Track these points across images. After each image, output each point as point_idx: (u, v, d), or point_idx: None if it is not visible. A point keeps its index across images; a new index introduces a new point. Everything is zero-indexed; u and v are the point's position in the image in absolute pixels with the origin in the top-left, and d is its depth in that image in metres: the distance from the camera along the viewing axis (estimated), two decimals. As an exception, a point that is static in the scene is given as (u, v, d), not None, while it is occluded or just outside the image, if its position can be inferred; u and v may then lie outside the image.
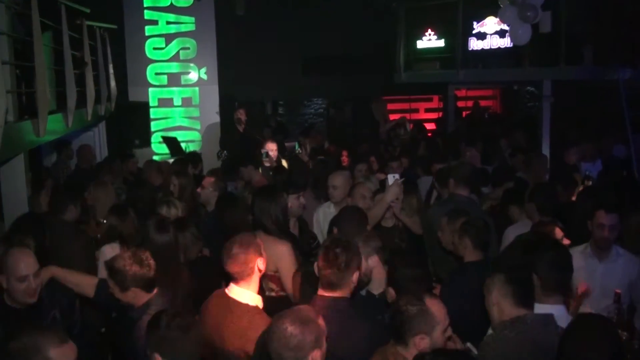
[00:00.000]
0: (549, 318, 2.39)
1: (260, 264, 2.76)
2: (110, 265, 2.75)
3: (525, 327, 2.34)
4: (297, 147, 7.71)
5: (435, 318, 2.18)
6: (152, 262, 2.76)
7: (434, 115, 12.98)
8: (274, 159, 6.72)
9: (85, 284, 3.03)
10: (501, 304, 2.44)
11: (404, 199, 4.12)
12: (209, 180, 4.93)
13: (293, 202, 4.01)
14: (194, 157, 6.80)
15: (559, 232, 3.51)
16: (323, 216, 4.54)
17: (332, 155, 7.56)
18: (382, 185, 4.89)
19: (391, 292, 2.74)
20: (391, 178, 3.97)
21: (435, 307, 2.20)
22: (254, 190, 3.97)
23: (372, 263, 2.91)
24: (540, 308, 2.44)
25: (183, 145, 8.71)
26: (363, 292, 2.89)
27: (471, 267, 3.16)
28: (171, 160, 7.20)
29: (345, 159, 7.55)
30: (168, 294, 2.82)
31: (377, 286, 2.90)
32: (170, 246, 3.26)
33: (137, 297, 2.72)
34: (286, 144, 9.17)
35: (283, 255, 3.25)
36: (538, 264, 2.55)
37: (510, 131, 8.35)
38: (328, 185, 4.61)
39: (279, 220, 3.47)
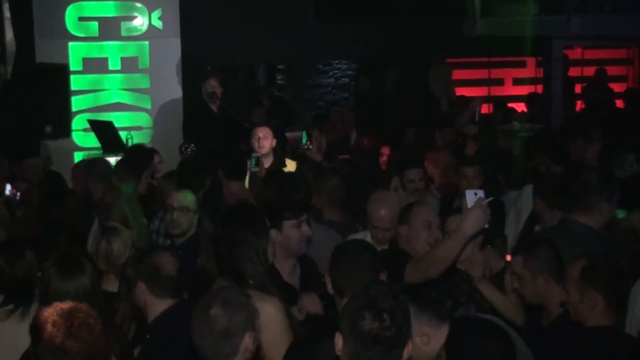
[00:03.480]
0: None
1: (249, 342, 2.89)
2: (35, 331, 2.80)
3: None
4: (304, 139, 7.67)
5: None
6: (97, 327, 2.89)
7: (528, 89, 12.94)
8: (265, 152, 6.89)
9: None
10: None
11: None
12: (174, 196, 5.12)
13: (290, 232, 4.14)
14: (141, 155, 6.97)
15: None
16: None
17: (365, 154, 7.69)
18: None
19: None
20: (471, 196, 4.05)
21: None
22: (220, 213, 4.10)
23: None
24: None
25: (123, 134, 8.78)
26: None
27: (598, 337, 3.20)
28: (114, 160, 7.42)
29: (385, 159, 7.67)
30: None
31: None
32: (85, 297, 3.34)
33: None
34: (288, 135, 9.24)
35: (270, 320, 3.35)
36: None
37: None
38: (370, 214, 4.78)
39: (261, 264, 3.61)
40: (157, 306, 3.69)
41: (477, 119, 9.07)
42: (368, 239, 4.77)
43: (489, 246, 4.69)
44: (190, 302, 3.41)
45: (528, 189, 5.84)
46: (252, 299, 2.95)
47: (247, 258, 3.61)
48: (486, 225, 4.01)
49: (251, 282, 3.56)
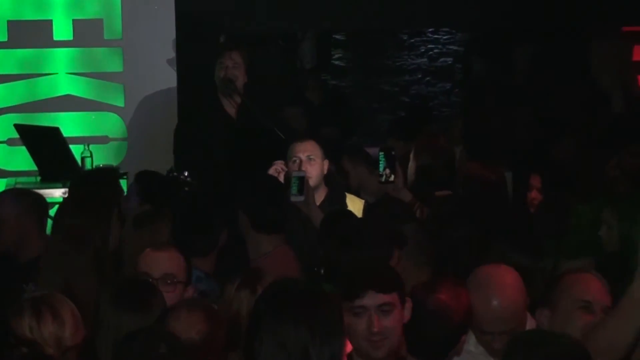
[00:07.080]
0: None
1: None
2: None
3: None
4: (381, 164, 6.83)
5: None
6: None
7: None
8: (313, 185, 6.44)
9: None
10: None
11: None
12: (155, 259, 4.81)
13: (349, 322, 3.78)
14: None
15: None
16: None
17: (487, 188, 6.85)
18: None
19: None
20: None
21: None
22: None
23: None
24: None
25: (77, 150, 8.35)
26: None
27: None
28: (59, 193, 7.09)
29: (536, 195, 7.05)
30: None
31: None
32: None
33: None
34: (350, 154, 8.46)
35: None
36: None
37: None
38: (474, 305, 4.55)
39: None
40: None
41: None
42: (472, 345, 4.34)
43: None
44: None
45: None
46: None
47: None
48: None
49: None
